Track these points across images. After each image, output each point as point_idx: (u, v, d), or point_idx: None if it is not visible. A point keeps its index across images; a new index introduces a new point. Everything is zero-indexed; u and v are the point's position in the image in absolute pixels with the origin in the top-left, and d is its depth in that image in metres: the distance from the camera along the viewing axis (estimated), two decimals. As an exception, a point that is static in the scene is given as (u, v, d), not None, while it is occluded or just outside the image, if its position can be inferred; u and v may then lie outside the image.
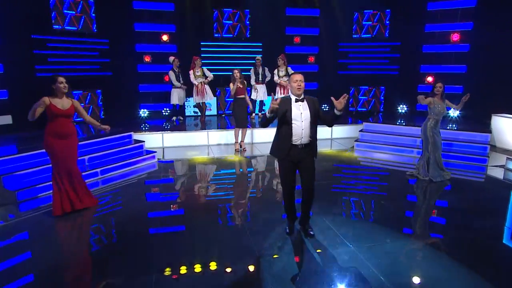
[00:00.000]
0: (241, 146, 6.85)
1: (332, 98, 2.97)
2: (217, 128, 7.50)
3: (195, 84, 7.98)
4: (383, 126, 7.43)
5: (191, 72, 7.93)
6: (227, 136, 7.26)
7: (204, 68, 8.03)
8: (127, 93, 8.69)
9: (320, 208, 4.17)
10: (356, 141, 7.21)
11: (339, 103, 2.97)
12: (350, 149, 7.05)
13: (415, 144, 6.73)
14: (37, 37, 7.10)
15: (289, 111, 3.02)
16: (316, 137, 3.18)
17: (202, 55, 9.05)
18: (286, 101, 3.11)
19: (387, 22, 9.48)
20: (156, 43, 8.85)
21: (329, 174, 5.40)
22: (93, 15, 7.99)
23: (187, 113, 9.29)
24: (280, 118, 3.06)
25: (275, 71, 8.22)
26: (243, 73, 6.86)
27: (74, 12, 7.69)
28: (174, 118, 8.29)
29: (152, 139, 7.08)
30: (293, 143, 3.06)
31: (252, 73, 8.42)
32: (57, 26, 7.49)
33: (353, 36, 9.70)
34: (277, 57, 8.18)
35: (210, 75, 7.96)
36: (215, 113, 9.30)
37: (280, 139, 3.09)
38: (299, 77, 3.12)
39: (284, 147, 3.06)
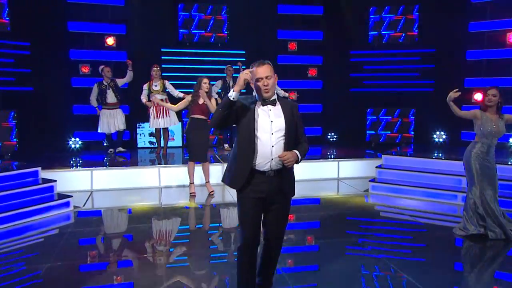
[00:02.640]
0: (208, 189, 6.49)
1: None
2: (182, 163, 7.18)
3: (143, 101, 7.76)
4: (411, 160, 7.09)
5: (145, 86, 7.73)
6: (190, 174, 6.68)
7: (167, 83, 7.83)
8: (55, 116, 8.42)
9: (332, 286, 3.69)
10: (372, 181, 6.85)
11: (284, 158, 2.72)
12: (364, 192, 6.78)
13: (459, 186, 6.31)
14: None
15: (252, 118, 2.73)
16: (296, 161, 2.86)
17: (163, 65, 8.88)
18: (250, 100, 2.82)
19: (416, 21, 9.28)
20: (98, 49, 8.73)
21: (340, 230, 5.12)
22: (6, 7, 7.75)
23: (140, 144, 8.93)
24: (240, 127, 2.78)
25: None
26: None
27: None
28: (110, 151, 8.17)
29: (74, 179, 6.71)
30: (257, 167, 2.75)
31: (217, 85, 8.23)
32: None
33: (370, 41, 9.56)
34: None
35: (176, 93, 7.71)
36: (180, 145, 8.94)
37: (238, 159, 2.80)
38: (263, 71, 2.76)
39: (242, 172, 2.76)
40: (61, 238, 4.84)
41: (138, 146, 8.91)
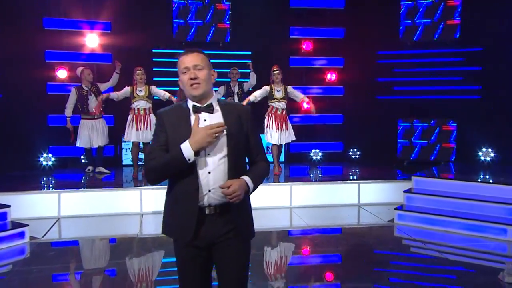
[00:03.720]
0: None
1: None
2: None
3: (111, 96, 7.48)
4: (449, 184, 6.64)
5: (127, 88, 7.43)
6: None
7: (154, 88, 7.56)
8: (27, 128, 8.24)
9: None
10: (399, 209, 6.42)
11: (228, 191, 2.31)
12: (389, 222, 6.44)
13: (510, 217, 5.86)
14: None
15: (181, 134, 2.34)
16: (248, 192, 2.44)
17: (154, 69, 8.77)
18: (178, 113, 2.43)
19: (458, 14, 8.91)
20: (78, 50, 8.63)
21: (365, 267, 4.92)
22: None
23: (125, 161, 8.82)
24: (170, 149, 2.39)
25: (262, 91, 7.65)
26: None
27: None
28: (89, 169, 7.96)
29: (37, 203, 6.44)
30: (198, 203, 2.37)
31: (220, 92, 8.12)
32: None
33: (401, 38, 9.31)
34: (272, 70, 7.71)
35: (162, 94, 7.49)
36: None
37: (176, 197, 2.41)
38: (190, 59, 2.38)
39: (186, 217, 2.37)
40: (8, 277, 4.51)
41: (124, 163, 8.68)
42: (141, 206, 6.66)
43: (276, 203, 6.89)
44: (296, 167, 8.90)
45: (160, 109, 2.45)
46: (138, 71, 7.38)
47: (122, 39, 8.66)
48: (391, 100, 9.32)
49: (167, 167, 2.33)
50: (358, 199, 7.21)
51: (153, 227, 6.18)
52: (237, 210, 2.39)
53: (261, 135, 8.40)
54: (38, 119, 8.42)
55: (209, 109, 2.37)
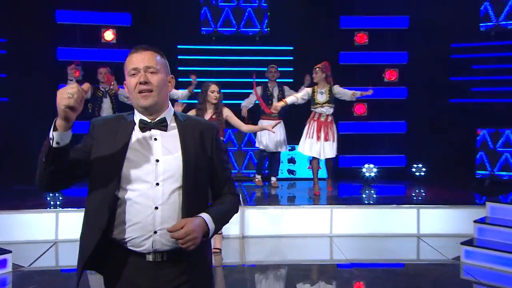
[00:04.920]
0: (213, 246, 5.98)
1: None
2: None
3: None
4: None
5: None
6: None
7: (172, 89, 7.26)
8: (34, 136, 8.05)
9: None
10: (466, 244, 5.97)
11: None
12: (454, 260, 6.02)
13: None
14: None
15: (113, 152, 2.16)
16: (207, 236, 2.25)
17: (179, 68, 8.72)
18: (117, 126, 2.25)
19: None
20: (94, 46, 8.74)
21: None
22: None
23: None
24: (94, 170, 2.19)
25: (303, 92, 7.49)
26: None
27: None
28: None
29: (32, 224, 6.38)
30: (129, 246, 2.16)
31: (256, 94, 7.86)
32: None
33: (481, 27, 9.01)
34: (314, 68, 7.50)
35: (179, 94, 7.49)
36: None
37: (89, 235, 2.20)
38: (141, 58, 2.18)
39: (87, 242, 2.20)
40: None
41: None
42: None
43: (312, 230, 6.54)
44: (344, 185, 8.54)
45: (95, 118, 2.29)
46: None
47: (143, 34, 8.64)
48: (468, 104, 9.03)
49: (42, 155, 2.01)
50: (418, 229, 6.75)
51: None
52: (193, 257, 2.17)
53: (295, 146, 8.03)
54: (48, 126, 8.44)
55: (162, 126, 2.18)
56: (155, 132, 2.18)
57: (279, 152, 8.06)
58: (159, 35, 8.58)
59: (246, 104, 7.82)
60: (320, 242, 6.46)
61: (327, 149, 7.20)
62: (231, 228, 6.49)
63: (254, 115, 7.99)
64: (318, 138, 7.19)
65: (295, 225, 6.53)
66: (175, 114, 2.27)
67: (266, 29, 9.00)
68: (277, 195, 7.68)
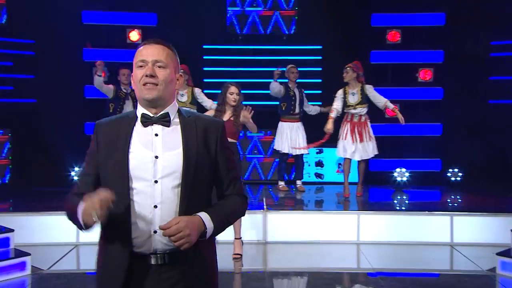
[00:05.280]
0: (234, 251, 5.91)
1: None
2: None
3: None
4: None
5: None
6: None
7: (198, 91, 7.52)
8: (60, 137, 8.31)
9: None
10: (502, 254, 5.71)
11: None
12: (489, 272, 5.79)
13: None
14: None
15: (125, 151, 2.17)
16: (210, 238, 2.24)
17: (205, 68, 8.80)
18: (120, 125, 2.25)
19: None
20: (119, 47, 8.75)
21: None
22: None
23: None
24: (103, 173, 2.21)
25: (339, 93, 7.40)
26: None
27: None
28: None
29: (53, 226, 6.37)
30: (134, 249, 2.15)
31: (277, 93, 7.77)
32: None
33: None
34: (344, 68, 7.38)
35: (209, 104, 7.38)
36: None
37: (108, 241, 2.22)
38: (151, 52, 2.19)
39: (117, 264, 2.16)
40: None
41: None
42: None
43: (338, 236, 6.36)
44: (375, 190, 8.38)
45: (100, 120, 2.29)
46: (184, 70, 7.27)
47: (168, 34, 8.53)
48: (509, 105, 8.65)
49: (70, 218, 2.15)
50: (451, 237, 6.50)
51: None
52: (192, 260, 2.14)
53: (322, 148, 7.73)
54: (74, 127, 8.62)
55: (164, 121, 2.15)
56: (156, 128, 2.15)
57: (302, 155, 7.90)
58: (184, 35, 8.63)
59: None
60: (346, 250, 6.29)
61: (363, 150, 7.12)
62: (253, 233, 6.43)
63: (274, 116, 7.89)
64: (353, 139, 7.08)
65: (320, 231, 6.38)
66: (179, 110, 2.24)
67: (294, 28, 8.86)
68: (302, 199, 7.57)
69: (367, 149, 7.10)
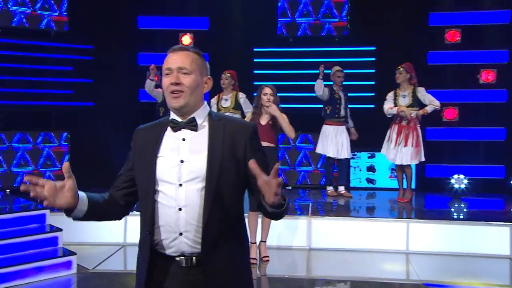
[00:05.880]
0: (260, 253, 5.77)
1: (252, 164, 2.02)
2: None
3: None
4: None
5: (213, 100, 7.41)
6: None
7: (242, 96, 7.33)
8: (115, 139, 8.25)
9: None
10: None
11: (268, 186, 2.01)
12: None
13: None
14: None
15: (153, 156, 2.25)
16: (239, 244, 2.30)
17: (255, 71, 8.69)
18: (155, 130, 2.33)
19: None
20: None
21: None
22: (65, 6, 8.24)
23: None
24: (137, 177, 2.32)
25: (389, 96, 7.15)
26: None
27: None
28: None
29: (100, 227, 6.27)
30: (158, 249, 2.22)
31: (321, 96, 7.55)
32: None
33: None
34: (397, 68, 7.09)
35: (251, 109, 7.09)
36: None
37: (140, 242, 2.33)
38: (177, 59, 2.24)
39: (142, 263, 2.27)
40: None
41: None
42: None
43: (385, 245, 6.04)
44: (432, 197, 7.91)
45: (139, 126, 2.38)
46: (223, 75, 7.20)
47: (220, 37, 8.69)
48: None
49: None
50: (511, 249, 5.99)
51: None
52: (226, 264, 2.17)
53: (375, 153, 7.44)
54: (128, 129, 8.61)
55: (191, 126, 2.19)
56: (184, 132, 2.19)
57: (347, 159, 7.59)
58: (235, 39, 8.68)
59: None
60: (393, 259, 5.96)
61: (405, 155, 6.76)
62: (297, 239, 6.20)
63: (318, 119, 7.67)
64: (396, 142, 6.78)
65: (366, 239, 6.07)
66: (209, 114, 2.26)
67: (346, 29, 8.57)
68: (349, 205, 7.23)
69: (410, 154, 6.74)
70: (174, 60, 2.16)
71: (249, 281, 2.32)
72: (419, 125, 6.92)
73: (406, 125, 6.80)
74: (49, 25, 8.14)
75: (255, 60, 8.72)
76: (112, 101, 8.47)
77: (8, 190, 7.59)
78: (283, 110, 5.78)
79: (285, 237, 6.12)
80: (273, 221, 5.67)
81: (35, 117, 8.33)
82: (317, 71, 8.17)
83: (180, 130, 2.19)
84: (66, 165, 2.02)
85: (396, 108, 6.90)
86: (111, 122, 8.48)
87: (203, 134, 2.20)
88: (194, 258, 2.14)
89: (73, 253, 5.66)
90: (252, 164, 1.95)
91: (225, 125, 2.24)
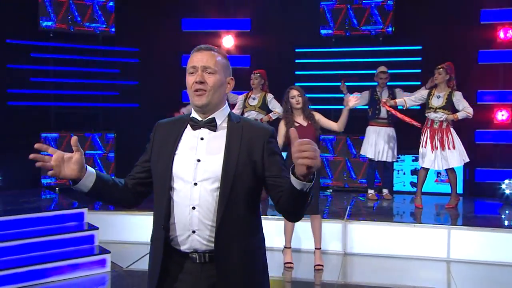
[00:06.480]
0: (315, 262, 5.57)
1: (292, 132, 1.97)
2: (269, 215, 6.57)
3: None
4: None
5: (240, 97, 7.35)
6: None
7: (271, 97, 7.19)
8: None
9: None
10: None
11: (300, 148, 1.89)
12: None
13: None
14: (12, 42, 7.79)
15: (171, 153, 2.26)
16: (254, 245, 2.27)
17: (296, 72, 8.52)
18: (175, 127, 2.35)
19: None
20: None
21: None
22: (111, 4, 8.40)
23: None
24: (154, 172, 2.34)
25: (416, 95, 6.88)
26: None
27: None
28: None
29: (138, 225, 6.52)
30: (173, 244, 2.23)
31: (366, 98, 7.38)
32: (48, 25, 8.03)
33: None
34: (437, 68, 6.72)
35: (279, 110, 7.04)
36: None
37: (153, 238, 2.34)
38: (201, 58, 2.27)
39: (154, 259, 2.27)
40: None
41: None
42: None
43: (424, 252, 5.74)
44: (481, 203, 7.47)
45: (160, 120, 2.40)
46: (252, 75, 7.13)
47: (262, 39, 8.58)
48: None
49: None
50: None
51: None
52: (239, 262, 2.15)
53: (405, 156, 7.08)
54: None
55: (211, 125, 2.20)
56: (203, 132, 2.20)
57: (391, 162, 7.28)
58: (277, 39, 8.52)
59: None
60: (432, 267, 5.65)
61: (446, 159, 6.31)
62: (332, 243, 5.99)
63: (363, 121, 7.47)
64: (433, 147, 6.43)
65: (404, 245, 5.78)
66: (229, 115, 2.26)
67: (390, 28, 8.22)
68: (389, 209, 6.92)
69: (449, 158, 6.37)
70: (199, 59, 2.18)
71: (263, 280, 2.30)
72: (452, 127, 6.54)
73: (438, 127, 6.44)
74: (98, 29, 8.34)
75: (296, 61, 8.53)
76: (156, 102, 8.52)
77: (57, 188, 7.80)
78: (322, 111, 5.70)
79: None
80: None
81: (84, 118, 8.56)
82: (361, 72, 7.98)
83: (200, 129, 2.19)
84: (74, 138, 2.05)
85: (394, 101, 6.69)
86: (155, 122, 8.61)
87: (221, 135, 2.20)
88: (207, 254, 2.14)
89: (107, 251, 5.74)
90: (292, 133, 1.89)
91: (244, 127, 2.24)
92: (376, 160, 7.19)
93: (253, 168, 2.17)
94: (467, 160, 6.52)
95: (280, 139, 5.31)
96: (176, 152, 2.18)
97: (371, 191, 7.35)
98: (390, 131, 7.19)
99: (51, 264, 5.36)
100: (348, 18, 8.37)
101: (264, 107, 7.08)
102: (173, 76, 8.71)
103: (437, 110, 6.39)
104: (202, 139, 2.19)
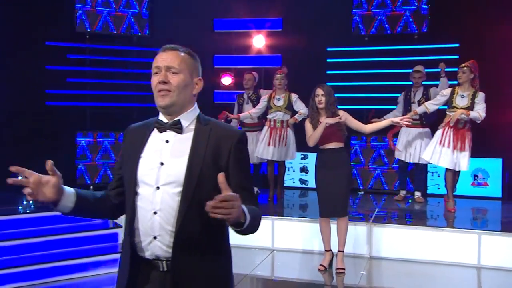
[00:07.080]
0: (336, 266, 5.48)
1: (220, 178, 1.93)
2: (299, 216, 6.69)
3: (268, 120, 7.15)
4: None
5: (264, 98, 7.21)
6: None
7: (295, 97, 7.05)
8: None
9: None
10: None
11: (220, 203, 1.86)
12: None
13: None
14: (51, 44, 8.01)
15: (136, 156, 2.22)
16: (216, 254, 2.20)
17: (328, 72, 8.38)
18: (143, 130, 2.29)
19: None
20: (246, 53, 8.92)
21: None
22: (145, 12, 8.55)
23: (287, 183, 8.61)
24: (123, 176, 2.30)
25: (445, 91, 6.58)
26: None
27: (113, 9, 8.39)
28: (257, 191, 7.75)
29: None
30: (138, 251, 2.18)
31: (400, 100, 7.26)
32: (85, 28, 8.29)
33: None
34: (460, 67, 6.49)
35: (304, 111, 6.91)
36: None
37: (122, 244, 2.34)
38: (165, 58, 2.19)
39: (123, 269, 2.22)
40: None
41: (285, 185, 8.31)
42: (272, 240, 6.16)
43: (453, 258, 5.47)
44: None
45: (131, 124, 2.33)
46: (277, 75, 6.99)
47: (293, 38, 8.53)
48: None
49: None
50: None
51: (284, 271, 5.88)
52: (201, 270, 2.08)
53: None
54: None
55: (176, 128, 2.11)
56: (169, 134, 2.12)
57: (424, 164, 7.01)
58: (309, 39, 8.45)
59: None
60: (461, 273, 5.38)
61: (462, 161, 6.09)
62: (357, 246, 5.83)
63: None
64: (455, 147, 6.13)
65: (431, 250, 5.53)
66: (199, 117, 2.18)
67: (425, 26, 7.99)
68: (420, 212, 6.66)
69: (466, 160, 6.13)
70: (163, 59, 2.11)
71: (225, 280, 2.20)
72: (470, 127, 6.28)
73: (462, 128, 6.13)
74: (132, 30, 8.50)
75: (328, 60, 8.42)
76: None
77: (91, 187, 7.98)
78: (353, 111, 5.56)
79: (346, 244, 5.82)
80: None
81: (119, 118, 8.74)
82: (394, 71, 7.80)
83: (166, 131, 2.12)
84: (49, 163, 1.98)
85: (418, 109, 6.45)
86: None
87: (187, 137, 2.13)
88: (169, 262, 2.08)
89: (125, 249, 5.83)
90: (221, 178, 1.85)
91: (211, 129, 2.16)
92: (407, 161, 6.98)
93: (218, 172, 2.04)
94: (466, 167, 6.23)
95: (311, 139, 5.26)
96: (141, 156, 2.13)
97: (403, 192, 7.16)
98: (424, 131, 6.94)
99: (75, 261, 5.45)
100: (381, 25, 8.24)
101: (290, 108, 7.01)
102: (206, 76, 8.79)
103: (461, 110, 6.11)
104: (167, 141, 2.13)
